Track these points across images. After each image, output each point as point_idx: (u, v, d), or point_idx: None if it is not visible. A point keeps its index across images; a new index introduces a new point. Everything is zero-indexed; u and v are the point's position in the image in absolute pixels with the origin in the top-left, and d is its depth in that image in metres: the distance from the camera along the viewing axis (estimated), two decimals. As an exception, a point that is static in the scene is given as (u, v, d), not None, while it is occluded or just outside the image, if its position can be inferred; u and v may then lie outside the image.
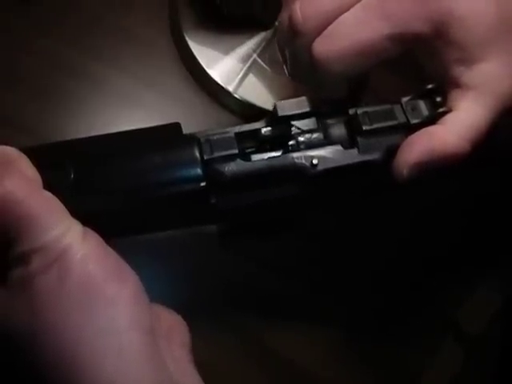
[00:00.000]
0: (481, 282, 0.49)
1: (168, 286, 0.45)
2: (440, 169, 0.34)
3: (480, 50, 0.34)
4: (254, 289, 0.47)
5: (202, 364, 0.31)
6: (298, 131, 0.35)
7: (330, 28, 0.35)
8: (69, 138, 0.35)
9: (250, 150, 0.34)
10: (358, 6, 0.34)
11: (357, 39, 0.34)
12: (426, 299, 0.48)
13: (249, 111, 0.50)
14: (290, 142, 0.35)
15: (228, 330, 0.45)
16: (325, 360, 0.46)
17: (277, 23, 0.39)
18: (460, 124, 0.34)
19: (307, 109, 0.35)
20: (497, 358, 0.46)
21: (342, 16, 0.34)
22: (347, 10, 0.34)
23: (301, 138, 0.35)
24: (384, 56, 0.35)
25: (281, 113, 0.35)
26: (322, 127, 0.35)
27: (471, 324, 0.47)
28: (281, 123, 0.35)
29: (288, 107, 0.35)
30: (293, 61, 0.38)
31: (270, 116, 0.35)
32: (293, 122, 0.35)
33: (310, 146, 0.34)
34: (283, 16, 0.37)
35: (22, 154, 0.30)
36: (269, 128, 0.35)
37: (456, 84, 0.34)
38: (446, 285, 0.48)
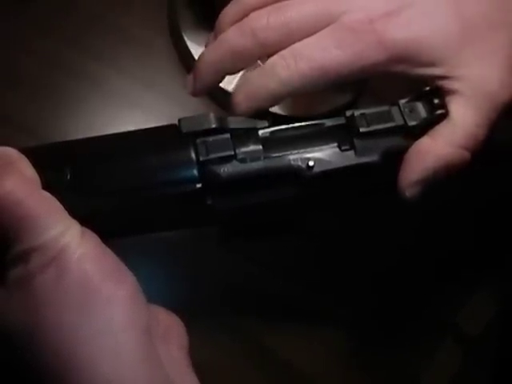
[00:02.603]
0: (480, 284, 0.49)
1: (166, 286, 0.45)
2: (444, 179, 0.34)
3: (452, 60, 0.34)
4: (252, 289, 0.47)
5: (200, 364, 0.31)
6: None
7: (293, 49, 0.35)
8: (68, 137, 0.35)
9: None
10: (322, 33, 0.35)
11: (316, 64, 0.34)
12: (426, 301, 0.48)
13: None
14: (201, 159, 0.33)
15: (226, 330, 0.45)
16: (323, 361, 0.46)
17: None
18: (452, 132, 0.34)
19: (213, 125, 0.34)
20: (495, 359, 0.46)
21: (306, 40, 0.35)
22: (306, 34, 0.35)
23: (212, 155, 0.33)
24: (344, 80, 0.35)
25: (185, 130, 0.33)
26: (233, 146, 0.34)
27: (470, 325, 0.47)
28: (184, 140, 0.33)
29: (193, 124, 0.34)
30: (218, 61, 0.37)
31: (175, 132, 0.34)
32: (204, 139, 0.33)
33: (217, 161, 0.33)
34: (232, 10, 0.37)
35: (22, 155, 0.30)
36: (267, 130, 0.35)
37: (443, 90, 0.35)
38: (446, 287, 0.48)
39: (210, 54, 0.37)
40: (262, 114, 0.46)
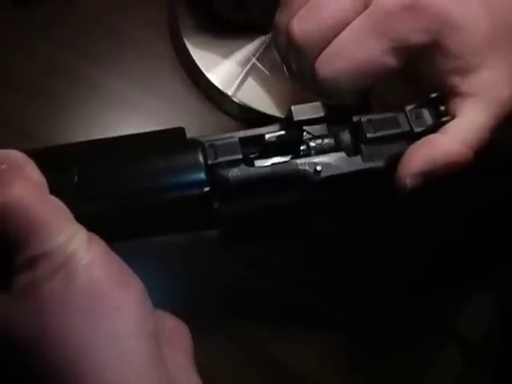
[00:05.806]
0: (481, 286, 0.49)
1: (166, 288, 0.45)
2: (443, 177, 0.34)
3: (475, 58, 0.34)
4: (252, 291, 0.47)
5: (202, 368, 0.31)
6: (309, 136, 0.35)
7: (328, 49, 0.34)
8: (68, 140, 0.35)
9: (253, 156, 0.35)
10: (354, 24, 0.34)
11: (356, 60, 0.34)
12: (426, 304, 0.48)
13: (248, 115, 0.50)
14: (301, 147, 0.35)
15: (226, 332, 0.45)
16: (323, 363, 0.46)
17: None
18: (461, 131, 0.34)
19: (321, 114, 0.35)
20: (496, 363, 0.46)
21: (340, 36, 0.34)
22: (346, 24, 0.34)
23: (312, 144, 0.35)
24: (388, 71, 0.35)
25: (296, 117, 0.35)
26: (331, 133, 0.35)
27: (471, 329, 0.47)
28: (292, 128, 0.35)
29: (303, 112, 0.35)
30: (293, 68, 0.38)
31: (285, 120, 0.36)
32: (304, 128, 0.35)
33: (320, 151, 0.35)
34: (280, 19, 0.37)
35: (29, 159, 0.29)
36: (273, 134, 0.35)
37: (455, 93, 0.34)
38: (447, 289, 0.48)
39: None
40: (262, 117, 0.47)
